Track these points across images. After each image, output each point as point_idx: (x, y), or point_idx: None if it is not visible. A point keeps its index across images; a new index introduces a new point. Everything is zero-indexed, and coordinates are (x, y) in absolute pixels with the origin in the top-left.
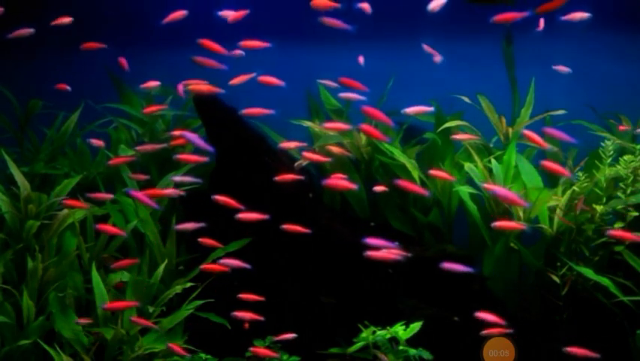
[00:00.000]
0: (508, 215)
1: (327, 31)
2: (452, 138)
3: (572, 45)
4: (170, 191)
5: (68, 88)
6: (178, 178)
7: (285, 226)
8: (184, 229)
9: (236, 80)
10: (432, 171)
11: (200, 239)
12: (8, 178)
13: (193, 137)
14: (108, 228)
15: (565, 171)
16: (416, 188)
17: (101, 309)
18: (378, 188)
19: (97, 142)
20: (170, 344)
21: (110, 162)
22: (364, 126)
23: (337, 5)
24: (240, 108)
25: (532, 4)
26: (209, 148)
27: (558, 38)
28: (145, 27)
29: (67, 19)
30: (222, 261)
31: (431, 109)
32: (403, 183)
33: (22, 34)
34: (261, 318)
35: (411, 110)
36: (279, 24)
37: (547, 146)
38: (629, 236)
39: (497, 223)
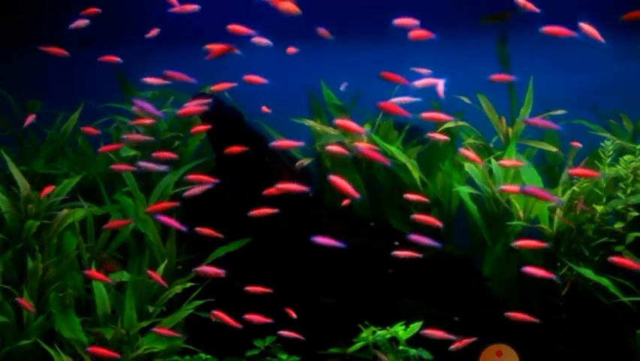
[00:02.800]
0: (508, 215)
1: (328, 30)
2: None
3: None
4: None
5: (117, 61)
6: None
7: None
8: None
9: (217, 87)
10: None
11: (197, 228)
12: (8, 178)
13: (145, 105)
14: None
15: (596, 173)
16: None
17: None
18: (413, 197)
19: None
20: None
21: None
22: (339, 121)
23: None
24: (240, 108)
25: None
26: (159, 114)
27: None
28: (149, 25)
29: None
30: (198, 269)
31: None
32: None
33: (79, 25)
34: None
35: (419, 83)
36: (282, 22)
37: (556, 126)
38: (631, 264)
39: (518, 243)
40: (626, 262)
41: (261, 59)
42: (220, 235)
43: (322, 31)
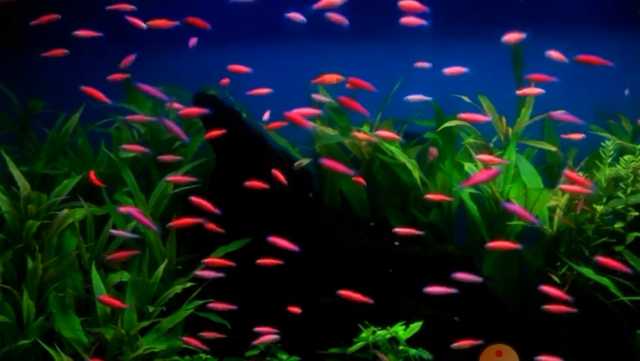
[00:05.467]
0: (508, 215)
1: (328, 30)
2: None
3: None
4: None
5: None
6: (171, 178)
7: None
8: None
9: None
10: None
11: (206, 224)
12: (8, 178)
13: (171, 124)
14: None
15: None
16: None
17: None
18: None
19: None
20: (186, 338)
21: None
22: (289, 114)
23: None
24: (240, 108)
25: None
26: (184, 138)
27: (559, 38)
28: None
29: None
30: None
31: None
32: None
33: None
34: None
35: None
36: (283, 23)
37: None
38: (616, 265)
39: (491, 244)
40: (612, 262)
41: (261, 59)
42: (221, 230)
43: (336, 17)
